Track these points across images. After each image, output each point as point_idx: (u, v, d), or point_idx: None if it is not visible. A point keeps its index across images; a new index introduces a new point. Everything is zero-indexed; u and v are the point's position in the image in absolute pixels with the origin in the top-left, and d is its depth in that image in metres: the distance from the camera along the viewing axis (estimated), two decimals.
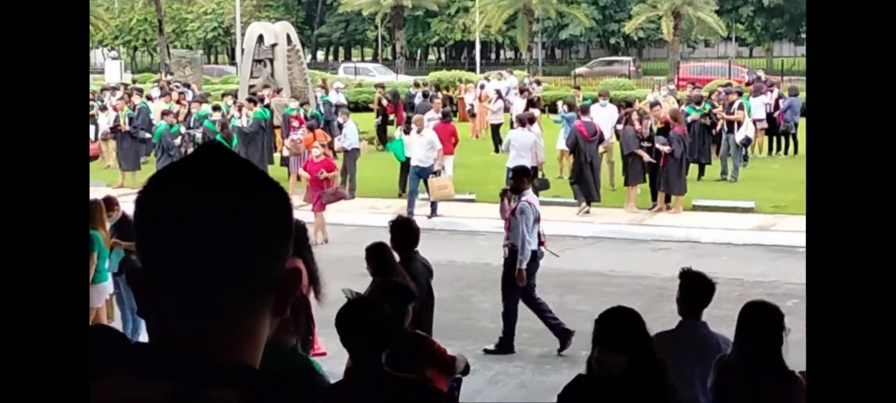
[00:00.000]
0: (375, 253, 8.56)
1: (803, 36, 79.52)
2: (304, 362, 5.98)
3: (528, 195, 11.54)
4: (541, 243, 11.74)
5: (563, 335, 11.48)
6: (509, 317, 11.53)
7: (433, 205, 19.93)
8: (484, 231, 18.77)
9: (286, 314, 1.63)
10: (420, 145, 20.15)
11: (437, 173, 19.86)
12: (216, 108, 25.70)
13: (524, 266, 11.24)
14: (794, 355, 5.26)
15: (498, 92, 32.23)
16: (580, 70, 60.06)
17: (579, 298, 13.86)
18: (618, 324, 4.91)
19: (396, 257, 8.78)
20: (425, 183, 19.91)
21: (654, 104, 23.14)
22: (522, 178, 11.79)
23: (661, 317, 9.71)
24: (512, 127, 21.07)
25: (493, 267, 15.91)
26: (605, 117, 22.24)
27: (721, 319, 5.61)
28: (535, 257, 11.56)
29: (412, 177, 20.26)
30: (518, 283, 11.40)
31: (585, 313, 13.14)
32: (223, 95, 30.75)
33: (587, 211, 19.56)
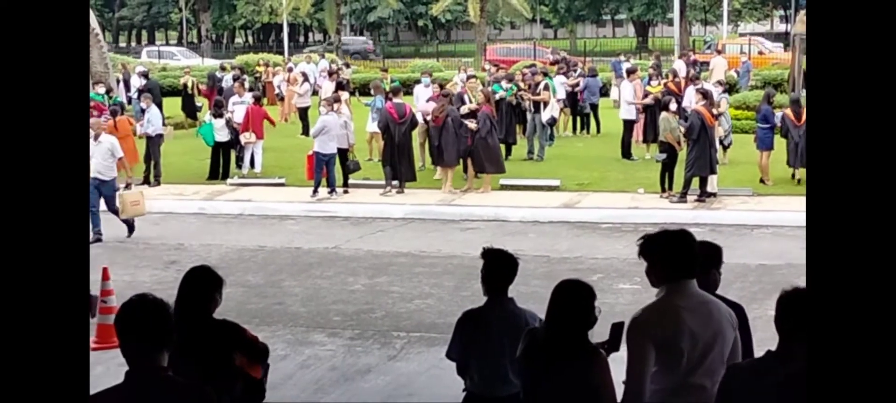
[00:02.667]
0: None
1: (605, 17, 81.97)
2: None
3: None
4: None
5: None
6: None
7: (129, 224, 16.74)
8: (294, 215, 18.64)
9: None
10: (100, 154, 16.44)
11: (127, 186, 17.06)
12: None
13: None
14: (600, 329, 5.40)
15: (304, 74, 32.04)
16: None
17: (391, 279, 13.90)
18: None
19: None
20: (107, 201, 16.58)
21: (469, 77, 23.58)
22: None
23: (471, 296, 9.84)
24: (321, 110, 20.81)
25: (304, 251, 15.87)
26: (428, 97, 22.43)
27: (529, 295, 5.72)
28: None
29: (92, 193, 15.88)
30: None
31: (397, 294, 13.24)
32: None
33: (400, 192, 19.60)
